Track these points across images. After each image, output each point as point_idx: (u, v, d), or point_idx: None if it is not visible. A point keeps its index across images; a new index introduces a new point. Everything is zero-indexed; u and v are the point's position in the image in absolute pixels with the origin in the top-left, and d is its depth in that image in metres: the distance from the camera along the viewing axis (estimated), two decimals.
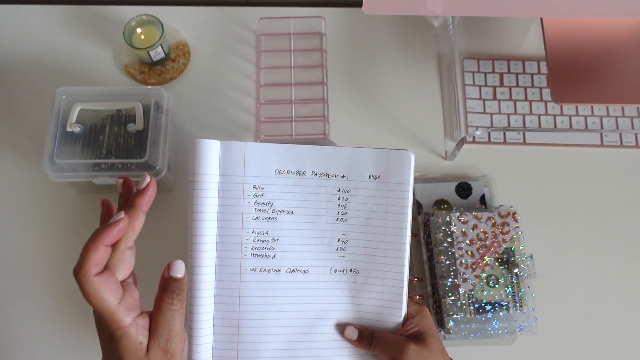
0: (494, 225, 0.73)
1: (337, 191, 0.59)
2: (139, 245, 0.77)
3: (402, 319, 0.59)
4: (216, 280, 0.57)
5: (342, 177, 0.59)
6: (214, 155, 0.57)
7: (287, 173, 0.59)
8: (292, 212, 0.59)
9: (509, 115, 0.83)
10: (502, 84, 0.85)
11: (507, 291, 0.72)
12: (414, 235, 0.76)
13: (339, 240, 0.59)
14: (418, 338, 0.57)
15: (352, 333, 0.58)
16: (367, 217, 0.59)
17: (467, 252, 0.72)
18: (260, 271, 0.58)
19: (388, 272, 0.59)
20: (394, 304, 0.59)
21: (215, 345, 0.57)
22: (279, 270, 0.58)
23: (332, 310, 0.59)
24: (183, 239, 0.57)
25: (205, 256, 0.56)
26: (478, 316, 0.71)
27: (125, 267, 0.52)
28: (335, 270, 0.59)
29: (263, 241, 0.58)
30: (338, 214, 0.59)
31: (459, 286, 0.71)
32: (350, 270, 0.59)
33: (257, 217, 0.58)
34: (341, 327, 0.59)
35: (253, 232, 0.58)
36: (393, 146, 0.81)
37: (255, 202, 0.58)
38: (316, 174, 0.59)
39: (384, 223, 0.59)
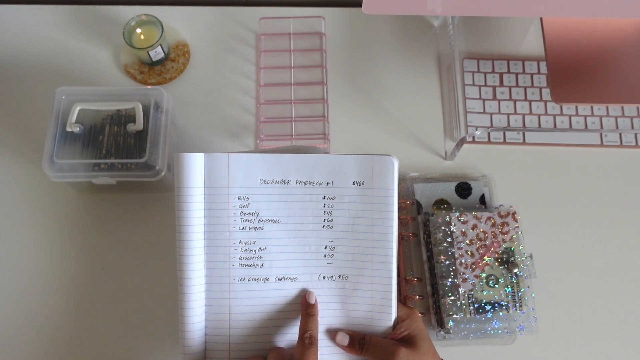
0: (493, 225, 0.73)
1: (322, 198, 0.59)
2: (139, 245, 0.77)
3: (392, 322, 0.59)
4: (206, 291, 0.58)
5: (327, 184, 0.59)
6: (199, 168, 0.57)
7: (272, 182, 0.59)
8: (279, 221, 0.59)
9: (508, 115, 0.83)
10: (501, 84, 0.85)
11: (507, 291, 0.72)
12: (414, 235, 0.76)
13: (326, 247, 0.59)
14: (409, 341, 0.58)
15: (343, 339, 0.58)
16: (353, 223, 0.59)
17: (466, 252, 0.72)
18: (248, 280, 0.58)
19: (376, 277, 0.59)
20: (383, 309, 0.59)
21: (207, 354, 0.58)
22: (267, 279, 0.59)
23: (322, 316, 0.59)
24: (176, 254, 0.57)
25: (194, 268, 0.57)
26: (478, 316, 0.71)
27: None
28: (324, 277, 0.59)
29: (250, 251, 0.58)
30: (324, 221, 0.59)
31: (458, 286, 0.71)
32: (339, 276, 0.59)
33: (243, 227, 0.58)
34: (332, 333, 0.59)
35: (240, 242, 0.58)
36: (392, 146, 0.82)
37: (241, 212, 0.58)
38: (301, 182, 0.59)
39: (370, 229, 0.59)
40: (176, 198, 0.57)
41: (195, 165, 0.57)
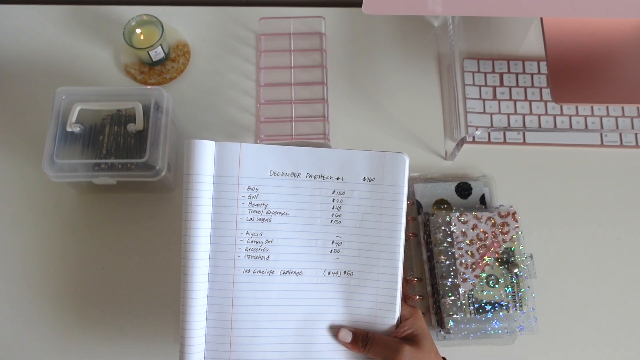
0: (494, 225, 0.73)
1: (331, 193, 0.59)
2: (139, 245, 0.77)
3: (395, 321, 0.59)
4: (209, 281, 0.57)
5: (337, 179, 0.59)
6: (209, 156, 0.57)
7: (282, 174, 0.59)
8: (287, 214, 0.59)
9: (508, 115, 0.83)
10: (502, 84, 0.85)
11: (507, 291, 0.72)
12: (414, 235, 0.76)
13: (333, 242, 0.59)
14: (412, 340, 0.57)
15: (346, 335, 0.58)
16: (361, 219, 0.59)
17: (467, 252, 0.72)
18: (253, 272, 0.58)
19: (382, 275, 0.59)
20: (387, 306, 0.59)
21: (207, 346, 0.57)
22: (272, 272, 0.58)
23: (325, 312, 0.59)
24: (181, 242, 0.57)
25: (199, 257, 0.56)
26: (478, 316, 0.71)
27: None
28: (329, 273, 0.59)
29: (257, 242, 0.58)
30: (332, 215, 0.59)
31: (458, 286, 0.71)
32: (344, 272, 0.59)
33: (251, 218, 0.58)
34: (335, 330, 0.59)
35: (247, 233, 0.58)
36: (393, 146, 0.82)
37: (250, 203, 0.58)
38: (311, 175, 0.59)
39: (378, 225, 0.59)
40: (184, 185, 0.56)
41: (206, 152, 0.57)
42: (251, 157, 0.58)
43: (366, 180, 0.59)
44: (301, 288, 0.59)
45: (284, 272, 0.59)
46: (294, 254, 0.59)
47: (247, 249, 0.58)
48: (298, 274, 0.59)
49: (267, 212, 0.59)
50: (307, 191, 0.59)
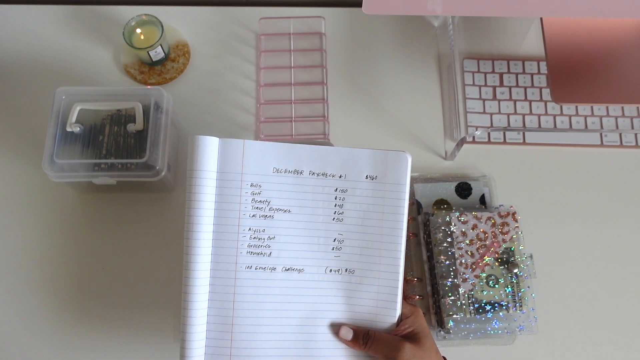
0: (493, 225, 0.73)
1: (334, 191, 0.59)
2: (139, 245, 0.77)
3: (396, 319, 0.59)
4: (211, 277, 0.57)
5: (340, 177, 0.59)
6: (213, 152, 0.57)
7: (285, 172, 0.59)
8: (289, 211, 0.59)
9: (508, 115, 0.83)
10: (502, 84, 0.85)
11: (507, 291, 0.72)
12: (414, 235, 0.76)
13: (334, 239, 0.59)
14: (412, 338, 0.58)
15: (347, 333, 0.58)
16: (363, 217, 0.59)
17: (467, 252, 0.72)
18: (255, 269, 0.58)
19: (383, 273, 0.59)
20: (388, 304, 0.59)
21: (208, 342, 0.57)
22: (274, 269, 0.59)
23: (326, 310, 0.59)
24: (183, 238, 0.57)
25: (201, 252, 0.56)
26: (478, 316, 0.71)
27: None
28: (331, 270, 0.59)
29: (259, 239, 0.58)
30: (334, 213, 0.59)
31: (458, 286, 0.71)
32: (346, 270, 0.59)
33: (253, 215, 0.58)
34: (336, 327, 0.59)
35: (249, 229, 0.58)
36: (393, 146, 0.82)
37: (253, 199, 0.58)
38: (314, 173, 0.59)
39: (380, 223, 0.59)
40: (188, 180, 0.57)
41: (209, 148, 0.57)
42: (254, 154, 0.58)
43: (368, 178, 0.59)
44: (302, 285, 0.59)
45: (285, 269, 0.59)
46: (296, 251, 0.59)
47: (249, 246, 0.58)
48: (300, 271, 0.59)
49: (270, 209, 0.59)
50: (309, 189, 0.59)
